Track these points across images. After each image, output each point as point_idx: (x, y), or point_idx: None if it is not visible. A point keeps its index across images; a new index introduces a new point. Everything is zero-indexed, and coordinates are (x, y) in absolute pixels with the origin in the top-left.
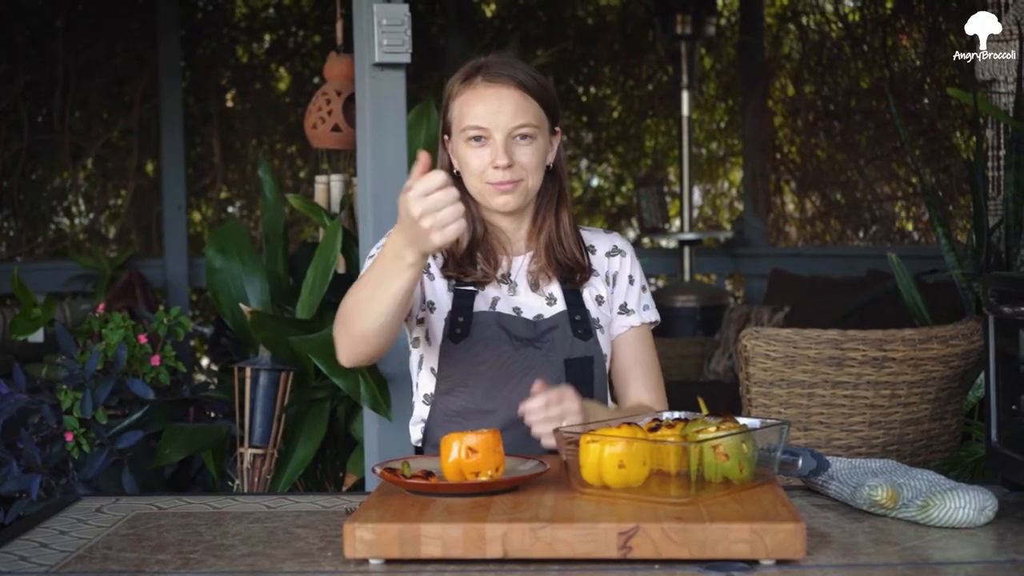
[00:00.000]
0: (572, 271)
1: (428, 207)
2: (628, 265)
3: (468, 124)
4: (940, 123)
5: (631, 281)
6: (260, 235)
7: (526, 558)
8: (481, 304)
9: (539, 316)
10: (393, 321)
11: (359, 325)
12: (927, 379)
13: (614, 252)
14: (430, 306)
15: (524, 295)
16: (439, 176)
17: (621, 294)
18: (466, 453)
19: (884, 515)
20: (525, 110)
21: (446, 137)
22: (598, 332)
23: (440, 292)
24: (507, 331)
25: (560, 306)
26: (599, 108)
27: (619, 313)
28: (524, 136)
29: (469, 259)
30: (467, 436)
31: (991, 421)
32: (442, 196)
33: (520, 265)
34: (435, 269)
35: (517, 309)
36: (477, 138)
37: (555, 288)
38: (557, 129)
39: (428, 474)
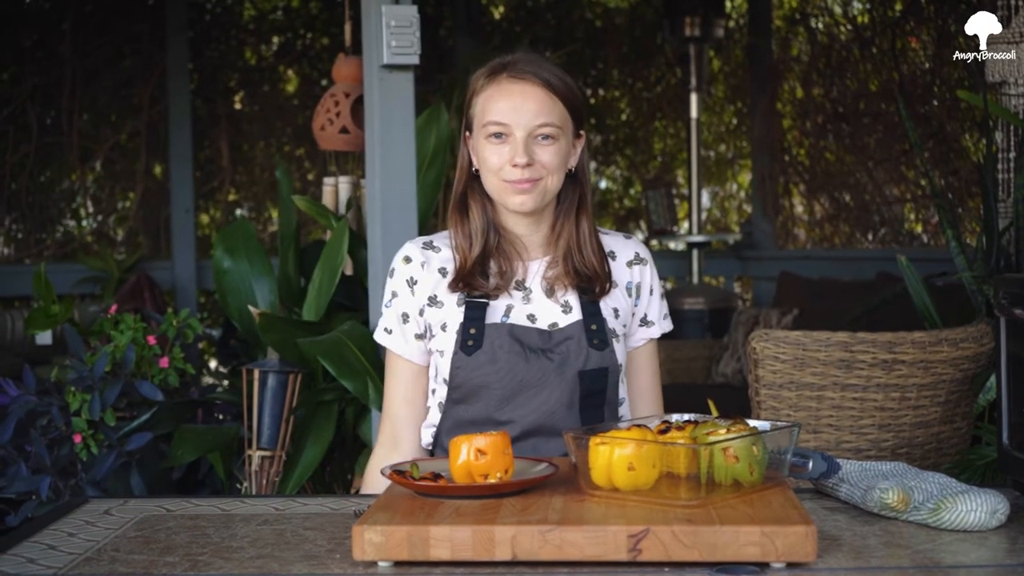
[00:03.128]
0: (591, 281)
1: None
2: (649, 275)
3: (489, 120)
4: (949, 125)
5: (652, 292)
6: (269, 237)
7: (535, 560)
8: (494, 314)
9: (554, 324)
10: None
11: None
12: (937, 382)
13: (636, 260)
14: (443, 327)
15: (539, 302)
16: None
17: (644, 306)
18: (475, 455)
19: (895, 518)
20: (549, 109)
21: (467, 133)
22: (614, 342)
23: (450, 309)
24: (520, 342)
25: (576, 315)
26: (607, 110)
27: (641, 325)
28: (546, 136)
29: (480, 271)
30: (476, 438)
31: (1003, 424)
32: None
33: (536, 271)
34: (442, 294)
35: (532, 317)
36: (498, 135)
37: (571, 296)
38: (581, 133)
39: (436, 476)
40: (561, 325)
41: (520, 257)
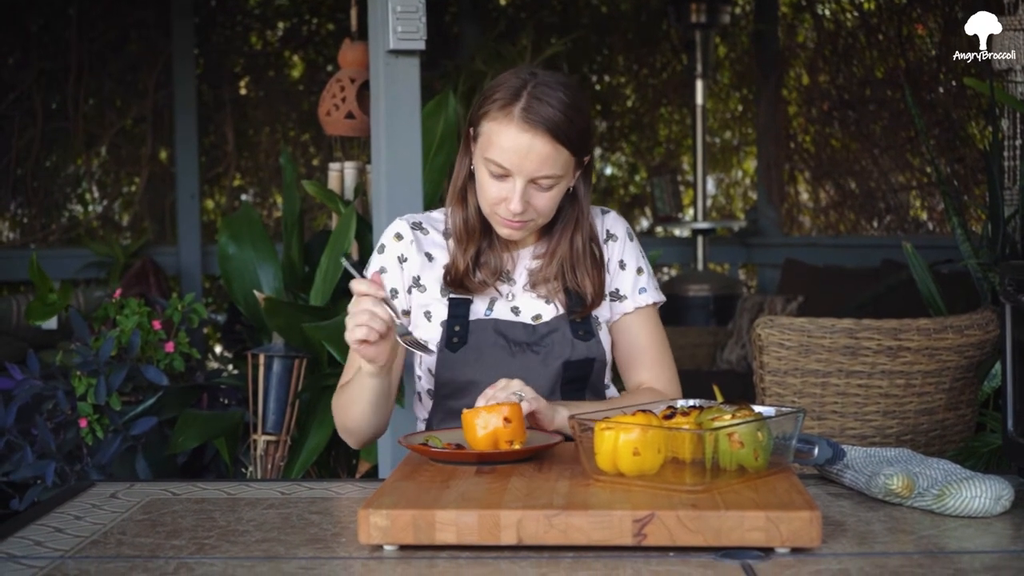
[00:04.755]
0: (580, 299)
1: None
2: (619, 250)
3: (492, 158)
4: (955, 113)
5: (622, 266)
6: (274, 223)
7: (540, 545)
8: (478, 308)
9: (538, 316)
10: (374, 418)
11: (348, 424)
12: (942, 369)
13: (607, 238)
14: (426, 315)
15: (522, 294)
16: (364, 286)
17: (613, 281)
18: (503, 423)
19: (899, 504)
20: (553, 162)
21: (471, 131)
22: (599, 331)
23: (432, 296)
24: (504, 337)
25: (559, 308)
26: (613, 97)
27: (612, 300)
28: (545, 185)
29: (473, 271)
30: (501, 407)
31: (1007, 411)
32: (364, 303)
33: (522, 261)
34: (425, 278)
35: (516, 309)
36: (498, 175)
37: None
38: (587, 158)
39: (458, 447)
40: (545, 317)
41: (507, 248)
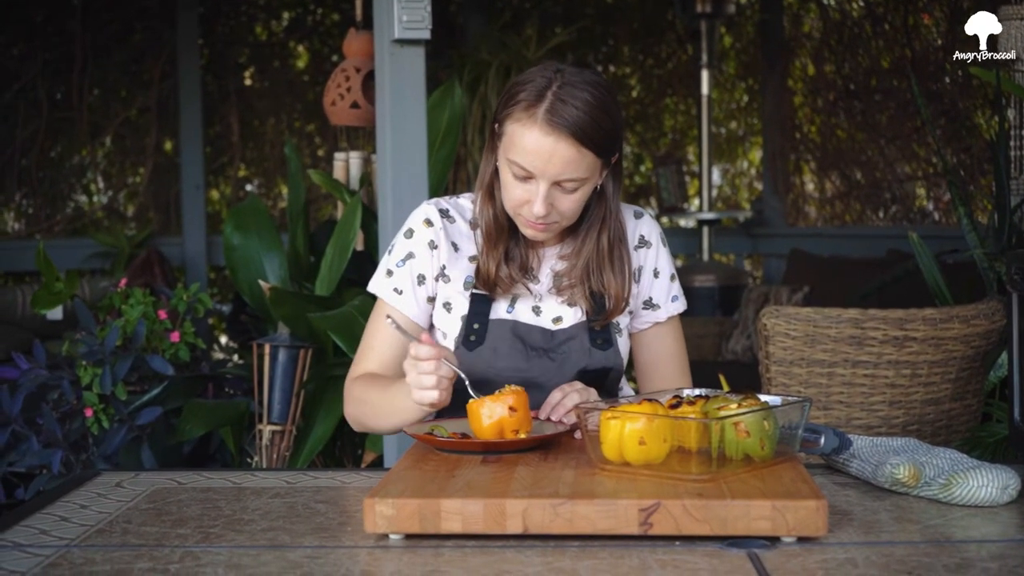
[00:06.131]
0: (603, 304)
1: (412, 370)
2: (653, 257)
3: (515, 160)
4: (962, 102)
5: (656, 275)
6: (279, 213)
7: (546, 534)
8: (499, 306)
9: (558, 319)
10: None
11: (366, 422)
12: (948, 359)
13: (641, 244)
14: (446, 306)
15: (546, 295)
16: (426, 351)
17: (646, 289)
18: (508, 412)
19: (906, 493)
20: (576, 165)
21: (496, 127)
22: (618, 339)
23: (455, 288)
24: (522, 340)
25: (580, 314)
26: (618, 87)
27: (644, 308)
28: (569, 188)
29: (504, 273)
30: (505, 397)
31: (1014, 400)
32: (426, 367)
33: (549, 259)
34: (450, 269)
35: (537, 309)
36: (521, 176)
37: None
38: (615, 157)
39: (464, 436)
40: (565, 321)
41: (533, 246)
